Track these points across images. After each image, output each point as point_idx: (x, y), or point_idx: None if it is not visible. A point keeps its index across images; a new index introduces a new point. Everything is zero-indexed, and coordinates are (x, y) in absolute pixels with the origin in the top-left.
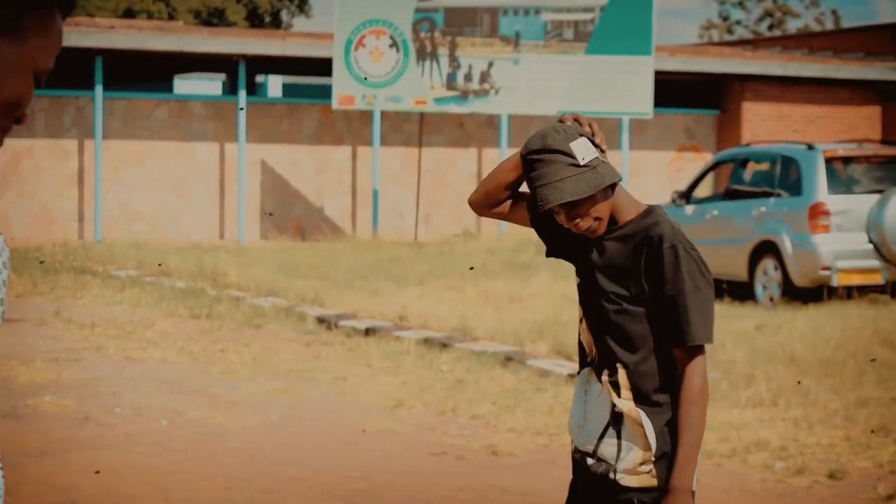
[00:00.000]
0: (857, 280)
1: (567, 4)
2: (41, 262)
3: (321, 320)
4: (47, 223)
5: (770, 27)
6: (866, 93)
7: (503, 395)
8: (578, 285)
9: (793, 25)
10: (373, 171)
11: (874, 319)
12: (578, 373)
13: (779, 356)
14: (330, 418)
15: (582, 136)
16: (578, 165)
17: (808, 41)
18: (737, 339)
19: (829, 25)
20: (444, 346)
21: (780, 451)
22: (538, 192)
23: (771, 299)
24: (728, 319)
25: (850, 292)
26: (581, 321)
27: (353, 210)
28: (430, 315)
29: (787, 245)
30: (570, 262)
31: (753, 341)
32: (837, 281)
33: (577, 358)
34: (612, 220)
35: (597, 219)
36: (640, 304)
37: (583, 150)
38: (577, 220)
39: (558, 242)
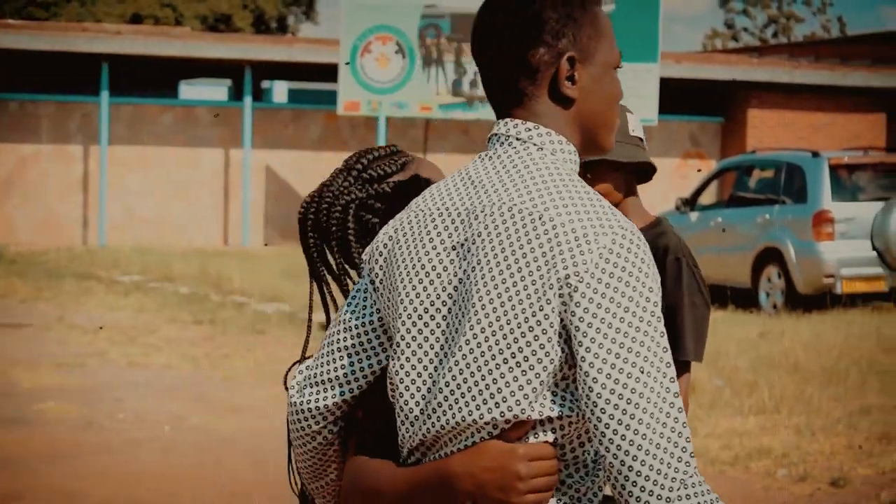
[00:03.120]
0: (861, 288)
1: None
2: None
3: (324, 326)
4: (52, 228)
5: (775, 34)
6: (872, 100)
7: None
8: None
9: (799, 31)
10: None
11: (877, 327)
12: None
13: (782, 363)
14: None
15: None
16: (628, 134)
17: (814, 49)
18: (740, 346)
19: (836, 33)
20: None
21: (782, 459)
22: None
23: (774, 306)
24: (731, 326)
25: (853, 300)
26: None
27: None
28: None
29: (791, 252)
30: None
31: (757, 348)
32: (841, 289)
33: None
34: None
35: None
36: None
37: (635, 122)
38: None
39: None
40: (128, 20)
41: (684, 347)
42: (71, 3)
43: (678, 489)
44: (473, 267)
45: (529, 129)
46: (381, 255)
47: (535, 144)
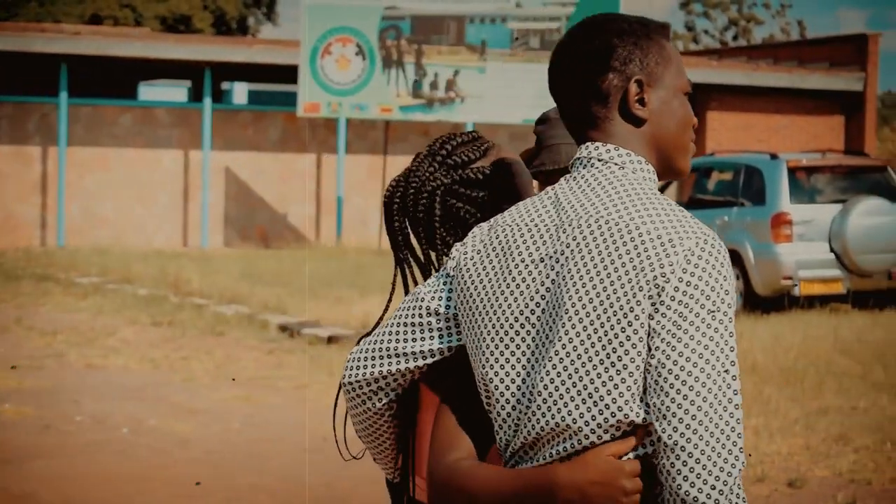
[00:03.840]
0: (819, 290)
1: (533, 13)
2: None
3: (284, 328)
4: (10, 230)
5: (735, 37)
6: (831, 103)
7: None
8: None
9: (759, 34)
10: (337, 178)
11: (835, 329)
12: None
13: (740, 365)
14: (292, 426)
15: None
16: None
17: (773, 51)
18: None
19: (795, 35)
20: None
21: None
22: (552, 151)
23: None
24: None
25: (811, 302)
26: None
27: (317, 218)
28: None
29: (749, 254)
30: None
31: None
32: (800, 290)
33: None
34: None
35: None
36: None
37: None
38: None
39: None
40: (87, 21)
41: None
42: (30, 4)
43: (724, 478)
44: (564, 277)
45: (609, 151)
46: (465, 267)
47: (615, 164)
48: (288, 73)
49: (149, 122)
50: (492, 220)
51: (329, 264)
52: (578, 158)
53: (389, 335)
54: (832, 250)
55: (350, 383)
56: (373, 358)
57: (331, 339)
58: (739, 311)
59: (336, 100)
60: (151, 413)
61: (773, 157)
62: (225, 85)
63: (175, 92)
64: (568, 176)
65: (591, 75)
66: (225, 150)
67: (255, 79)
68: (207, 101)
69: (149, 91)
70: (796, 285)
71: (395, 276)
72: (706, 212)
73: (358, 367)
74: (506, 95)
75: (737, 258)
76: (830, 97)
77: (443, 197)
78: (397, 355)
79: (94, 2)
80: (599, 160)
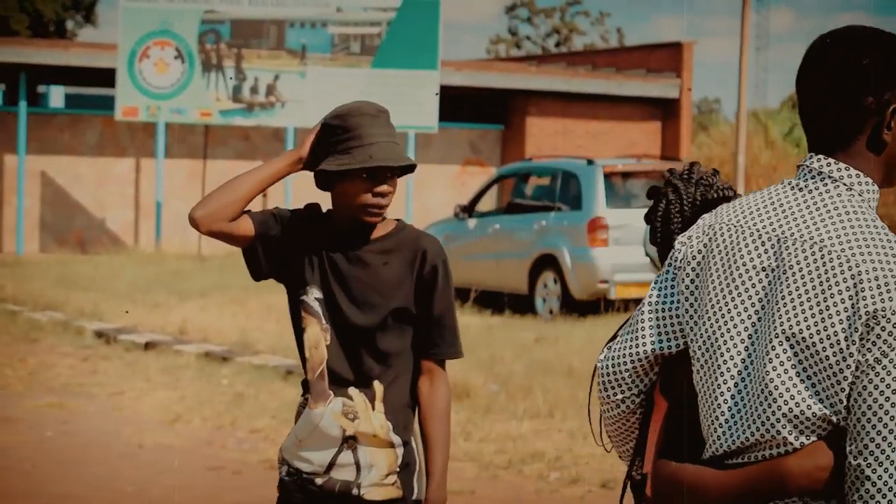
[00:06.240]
0: (634, 293)
1: (354, 18)
2: None
3: (100, 334)
4: None
5: (557, 44)
6: (648, 109)
7: (283, 408)
8: (319, 300)
9: (580, 42)
10: (156, 183)
11: None
12: (306, 387)
13: (556, 368)
14: (106, 433)
15: None
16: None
17: (592, 58)
18: (516, 351)
19: (614, 43)
20: (224, 359)
21: (555, 462)
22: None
23: (550, 312)
24: (508, 332)
25: (626, 305)
26: (304, 335)
27: (135, 222)
28: (211, 328)
29: (566, 258)
30: (284, 281)
31: (532, 354)
32: (615, 294)
33: None
34: (366, 232)
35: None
36: (403, 318)
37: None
38: (389, 192)
39: (279, 260)
40: None
41: (457, 347)
42: None
43: None
44: (781, 292)
45: (841, 170)
46: (693, 259)
47: (845, 184)
48: (106, 77)
49: None
50: (715, 212)
51: (147, 270)
52: (809, 168)
53: (631, 338)
54: (647, 254)
55: (604, 389)
56: (620, 363)
57: (148, 345)
58: (557, 314)
59: (155, 104)
60: None
61: (590, 162)
62: (41, 88)
63: None
64: (793, 182)
65: (848, 95)
66: (41, 154)
67: (73, 82)
68: (23, 104)
69: None
70: (612, 289)
71: None
72: (524, 216)
73: (608, 373)
74: (326, 100)
75: (554, 262)
76: (647, 103)
77: (692, 211)
78: (631, 356)
79: None
80: (830, 177)
